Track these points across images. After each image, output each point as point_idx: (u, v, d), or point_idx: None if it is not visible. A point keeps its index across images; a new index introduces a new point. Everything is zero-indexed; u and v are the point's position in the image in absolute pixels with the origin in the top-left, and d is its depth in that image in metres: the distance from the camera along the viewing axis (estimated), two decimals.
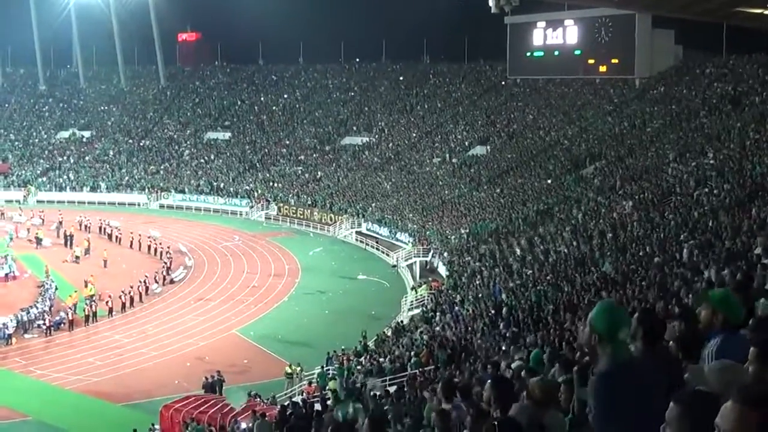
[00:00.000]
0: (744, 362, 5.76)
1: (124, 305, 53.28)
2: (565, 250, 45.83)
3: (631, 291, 29.59)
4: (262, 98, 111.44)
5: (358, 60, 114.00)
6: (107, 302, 52.36)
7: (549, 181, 67.05)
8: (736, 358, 5.92)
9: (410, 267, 63.89)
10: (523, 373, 13.37)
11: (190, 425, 31.27)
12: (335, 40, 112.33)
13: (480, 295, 44.02)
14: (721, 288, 8.49)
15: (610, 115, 76.87)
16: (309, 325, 50.81)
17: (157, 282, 58.61)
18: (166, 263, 63.01)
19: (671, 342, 7.30)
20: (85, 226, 76.54)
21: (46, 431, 36.07)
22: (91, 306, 51.31)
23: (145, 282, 56.90)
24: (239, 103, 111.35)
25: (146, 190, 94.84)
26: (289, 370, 40.81)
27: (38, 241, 71.05)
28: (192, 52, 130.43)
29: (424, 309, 48.78)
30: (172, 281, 60.45)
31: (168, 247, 67.67)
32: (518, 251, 50.65)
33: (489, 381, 7.76)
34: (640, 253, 37.86)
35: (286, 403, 31.21)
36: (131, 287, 54.85)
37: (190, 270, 64.13)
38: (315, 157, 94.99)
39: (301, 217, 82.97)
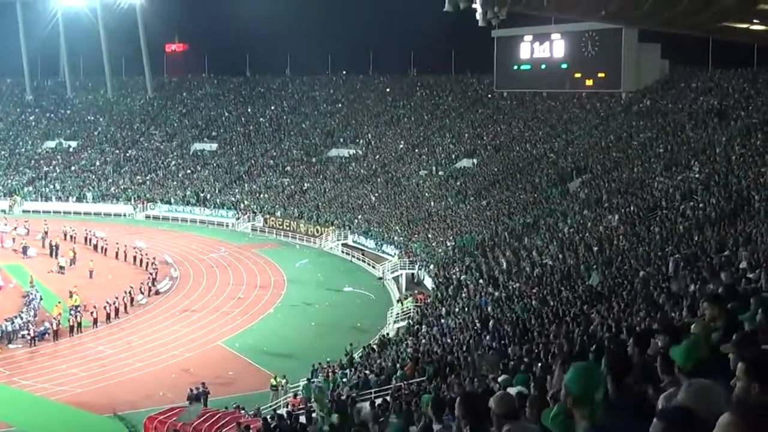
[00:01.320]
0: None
1: (109, 316, 53.03)
2: (551, 263, 45.86)
3: (616, 304, 29.61)
4: (249, 110, 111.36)
5: (345, 72, 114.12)
6: (92, 313, 52.08)
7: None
8: None
9: (396, 279, 63.81)
10: (509, 388, 13.33)
11: None
12: (322, 52, 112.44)
13: (466, 308, 44.00)
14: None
15: (597, 128, 77.08)
16: (294, 337, 50.68)
17: (142, 293, 58.38)
18: (151, 274, 62.76)
19: (657, 357, 7.30)
20: (71, 237, 76.22)
21: None
22: (75, 316, 51.07)
23: (130, 293, 56.70)
24: (226, 114, 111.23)
25: (132, 200, 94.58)
26: (274, 382, 40.68)
27: (24, 250, 70.78)
28: (179, 63, 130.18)
29: (410, 321, 48.71)
30: (157, 292, 60.23)
31: (154, 258, 67.44)
32: (504, 264, 50.66)
33: (458, 398, 7.63)
34: (626, 267, 37.93)
35: (270, 416, 31.11)
36: (116, 298, 54.64)
37: (176, 281, 63.93)
38: (301, 169, 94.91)
39: (288, 228, 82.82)
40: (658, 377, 7.29)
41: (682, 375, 6.83)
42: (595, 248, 44.84)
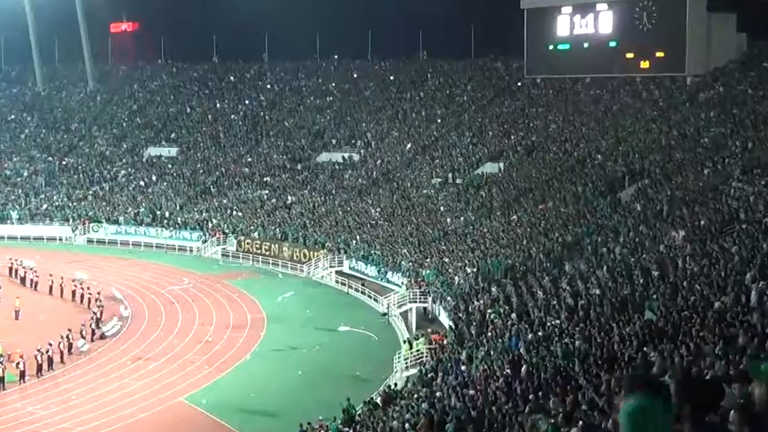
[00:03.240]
0: None
1: (40, 368, 52.81)
2: (599, 294, 45.68)
3: (683, 345, 29.41)
4: (217, 104, 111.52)
5: (337, 56, 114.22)
6: (18, 364, 51.85)
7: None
8: None
9: (404, 315, 63.73)
10: None
11: None
12: (308, 32, 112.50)
13: (493, 351, 43.86)
14: None
15: (655, 122, 76.96)
16: (277, 390, 50.55)
17: (83, 337, 58.20)
18: (95, 313, 62.64)
19: (732, 411, 7.10)
20: None
21: None
22: None
23: (68, 337, 56.47)
24: (188, 110, 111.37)
25: (70, 220, 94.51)
26: None
27: None
28: (129, 46, 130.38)
29: (423, 369, 48.59)
30: (102, 336, 60.08)
31: (98, 293, 67.34)
32: (540, 295, 50.49)
33: None
34: (695, 297, 37.72)
35: None
36: (50, 344, 54.39)
37: (127, 322, 63.79)
38: (285, 178, 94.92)
39: (267, 253, 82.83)
40: None
41: None
42: (655, 273, 44.63)
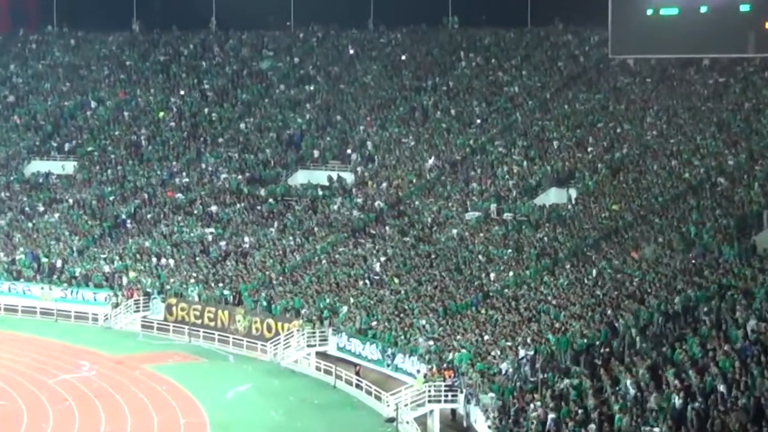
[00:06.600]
0: None
1: None
2: (725, 391, 45.42)
3: None
4: (138, 95, 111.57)
5: (320, 25, 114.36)
6: None
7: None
8: None
9: (422, 421, 63.47)
10: None
11: None
12: None
13: None
14: None
15: None
16: None
17: None
18: None
19: None
20: None
21: None
22: None
23: None
24: (95, 104, 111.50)
25: None
26: None
27: None
28: (3, 5, 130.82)
29: None
30: None
31: None
32: (631, 391, 50.24)
33: None
34: None
35: None
36: None
37: None
38: (239, 210, 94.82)
39: (212, 324, 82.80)
40: None
41: None
42: None
